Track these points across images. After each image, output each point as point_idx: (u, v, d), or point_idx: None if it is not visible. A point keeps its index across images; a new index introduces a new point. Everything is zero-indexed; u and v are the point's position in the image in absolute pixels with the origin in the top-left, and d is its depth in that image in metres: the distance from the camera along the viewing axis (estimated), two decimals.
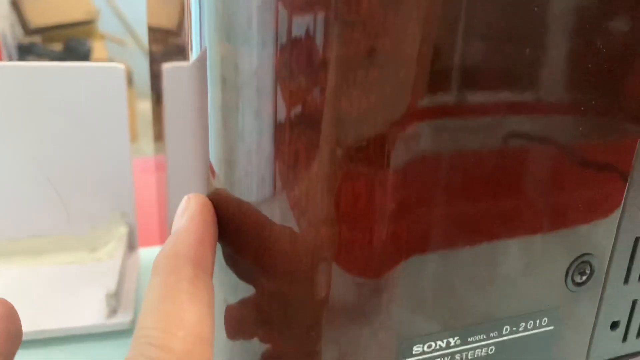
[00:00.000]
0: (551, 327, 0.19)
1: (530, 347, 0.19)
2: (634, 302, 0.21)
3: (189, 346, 0.13)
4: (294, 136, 0.15)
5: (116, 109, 0.36)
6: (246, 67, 0.15)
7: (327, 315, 0.16)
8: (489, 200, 0.17)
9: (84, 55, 1.85)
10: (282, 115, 0.15)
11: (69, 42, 1.86)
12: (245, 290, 0.17)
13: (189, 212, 0.16)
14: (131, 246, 0.40)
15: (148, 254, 0.40)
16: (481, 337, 0.18)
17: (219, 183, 0.17)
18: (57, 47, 1.87)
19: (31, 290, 0.34)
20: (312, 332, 0.16)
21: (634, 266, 0.20)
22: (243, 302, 0.18)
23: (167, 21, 0.27)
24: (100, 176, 0.37)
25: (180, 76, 0.22)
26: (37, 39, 1.92)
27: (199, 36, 0.17)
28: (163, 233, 0.37)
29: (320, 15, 0.14)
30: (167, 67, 0.28)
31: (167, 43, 0.28)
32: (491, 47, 0.15)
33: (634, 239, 0.20)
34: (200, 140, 0.18)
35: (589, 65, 0.17)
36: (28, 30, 1.94)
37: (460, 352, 0.18)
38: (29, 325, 0.31)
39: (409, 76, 0.14)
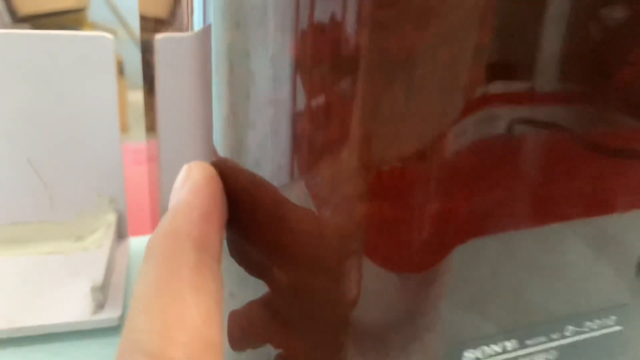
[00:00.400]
0: (619, 328, 0.16)
1: (595, 352, 0.16)
2: None
3: (194, 354, 0.10)
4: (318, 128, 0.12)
5: (104, 82, 0.32)
6: (260, 54, 0.12)
7: (360, 315, 0.13)
8: (554, 180, 0.14)
9: None
10: (302, 109, 0.12)
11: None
12: (257, 284, 0.14)
13: (191, 183, 0.13)
14: (120, 235, 0.37)
15: (139, 243, 0.37)
16: (541, 339, 0.15)
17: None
18: None
19: (10, 283, 0.31)
20: (341, 336, 0.13)
21: None
22: (253, 304, 0.15)
23: (159, 10, 0.25)
24: (86, 157, 0.34)
25: (176, 48, 0.20)
26: (25, 27, 1.87)
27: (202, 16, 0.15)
28: (155, 221, 0.34)
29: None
30: (160, 37, 0.25)
31: (159, 32, 0.25)
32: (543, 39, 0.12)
33: None
34: (202, 123, 0.16)
35: None
36: (16, 18, 1.89)
37: (516, 358, 0.15)
38: (7, 322, 0.28)
39: (462, 64, 0.11)
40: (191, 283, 0.11)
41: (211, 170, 0.13)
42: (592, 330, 0.16)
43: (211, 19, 0.14)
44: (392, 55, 0.11)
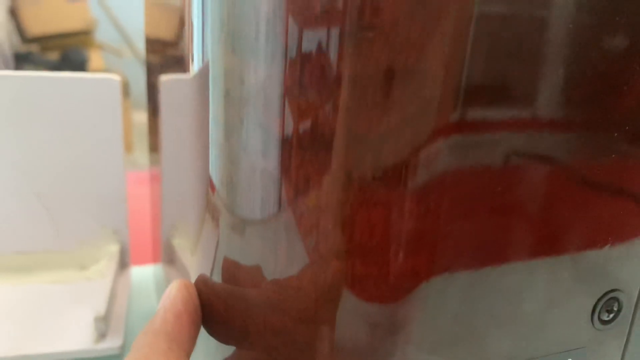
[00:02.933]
0: None
1: None
2: None
3: None
4: (304, 158, 0.14)
5: (110, 121, 0.34)
6: (252, 81, 0.14)
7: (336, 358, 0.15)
8: (513, 230, 0.16)
9: (80, 65, 1.84)
10: (290, 134, 0.14)
11: (66, 52, 1.85)
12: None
13: (170, 293, 0.17)
14: (123, 264, 0.38)
15: (140, 272, 0.39)
16: None
17: (219, 200, 0.16)
18: (54, 56, 1.86)
19: (16, 311, 0.32)
20: None
21: None
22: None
23: (165, 32, 0.26)
24: (91, 190, 0.36)
25: (179, 89, 0.21)
26: (34, 47, 1.91)
27: (201, 47, 0.16)
28: (157, 251, 0.35)
29: (334, 28, 0.13)
30: (165, 79, 0.27)
31: (164, 54, 0.27)
32: (520, 65, 0.14)
33: None
34: (199, 154, 0.17)
35: (624, 87, 0.15)
36: (25, 39, 1.92)
37: None
38: (13, 349, 0.29)
39: (434, 95, 0.13)
40: None
41: (187, 281, 0.17)
42: None
43: (209, 45, 0.15)
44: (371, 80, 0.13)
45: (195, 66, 0.17)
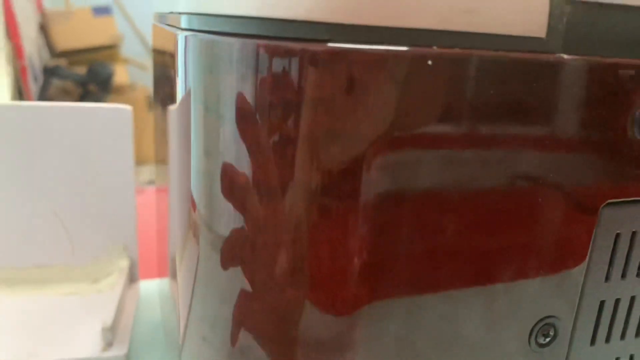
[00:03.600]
0: None
1: None
2: None
3: None
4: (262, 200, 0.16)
5: (122, 147, 0.38)
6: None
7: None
8: (449, 259, 0.18)
9: (106, 78, 1.90)
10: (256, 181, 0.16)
11: (93, 66, 1.91)
12: (227, 329, 0.18)
13: None
14: (132, 278, 0.41)
15: (148, 286, 0.42)
16: None
17: (199, 218, 0.18)
18: (81, 70, 1.92)
19: (33, 320, 0.36)
20: None
21: (600, 328, 0.21)
22: None
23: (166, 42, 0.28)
24: (104, 210, 0.39)
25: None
26: (62, 61, 1.98)
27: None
28: (162, 265, 0.38)
29: (283, 95, 0.15)
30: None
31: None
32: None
33: (598, 303, 0.20)
34: (184, 170, 0.19)
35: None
36: (54, 53, 2.00)
37: None
38: (27, 355, 0.32)
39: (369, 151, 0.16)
40: None
41: None
42: None
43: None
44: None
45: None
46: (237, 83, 0.16)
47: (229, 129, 0.16)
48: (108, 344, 0.33)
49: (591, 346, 0.21)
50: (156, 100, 0.33)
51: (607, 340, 0.21)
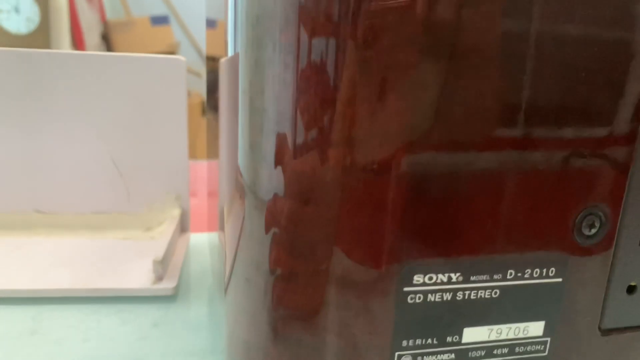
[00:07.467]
0: (559, 280, 0.20)
1: (538, 297, 0.20)
2: None
3: None
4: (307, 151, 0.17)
5: (176, 97, 0.39)
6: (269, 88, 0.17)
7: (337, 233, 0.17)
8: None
9: None
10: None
11: None
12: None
13: None
14: (183, 229, 0.43)
15: (197, 238, 0.43)
16: (484, 277, 0.19)
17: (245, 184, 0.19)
18: None
19: (90, 258, 0.37)
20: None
21: None
22: None
23: (218, 50, 0.30)
24: (159, 160, 0.41)
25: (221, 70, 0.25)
26: None
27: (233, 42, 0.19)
28: (212, 220, 0.39)
29: (338, 41, 0.16)
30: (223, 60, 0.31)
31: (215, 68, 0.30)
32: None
33: None
34: (231, 143, 0.20)
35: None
36: None
37: (462, 289, 0.19)
38: (85, 283, 0.34)
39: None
40: None
41: None
42: (533, 277, 0.19)
43: (239, 40, 0.18)
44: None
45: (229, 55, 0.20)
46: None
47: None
48: (158, 278, 0.35)
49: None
50: (209, 105, 0.35)
51: None
